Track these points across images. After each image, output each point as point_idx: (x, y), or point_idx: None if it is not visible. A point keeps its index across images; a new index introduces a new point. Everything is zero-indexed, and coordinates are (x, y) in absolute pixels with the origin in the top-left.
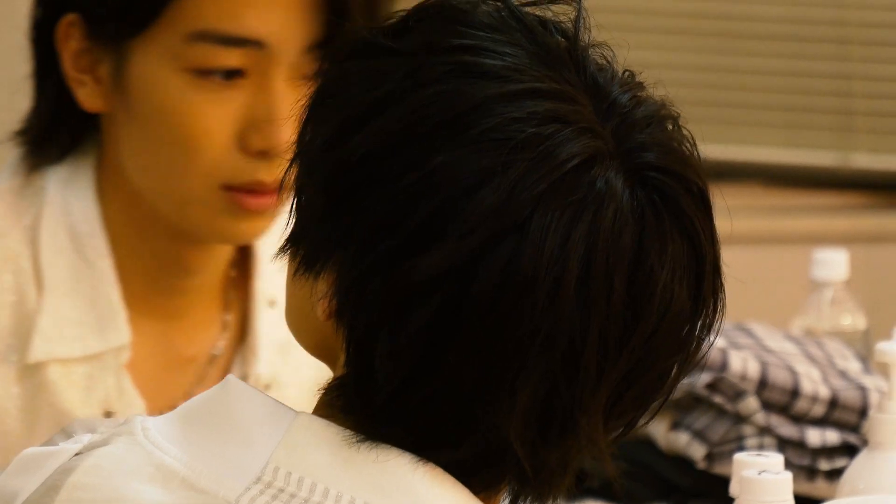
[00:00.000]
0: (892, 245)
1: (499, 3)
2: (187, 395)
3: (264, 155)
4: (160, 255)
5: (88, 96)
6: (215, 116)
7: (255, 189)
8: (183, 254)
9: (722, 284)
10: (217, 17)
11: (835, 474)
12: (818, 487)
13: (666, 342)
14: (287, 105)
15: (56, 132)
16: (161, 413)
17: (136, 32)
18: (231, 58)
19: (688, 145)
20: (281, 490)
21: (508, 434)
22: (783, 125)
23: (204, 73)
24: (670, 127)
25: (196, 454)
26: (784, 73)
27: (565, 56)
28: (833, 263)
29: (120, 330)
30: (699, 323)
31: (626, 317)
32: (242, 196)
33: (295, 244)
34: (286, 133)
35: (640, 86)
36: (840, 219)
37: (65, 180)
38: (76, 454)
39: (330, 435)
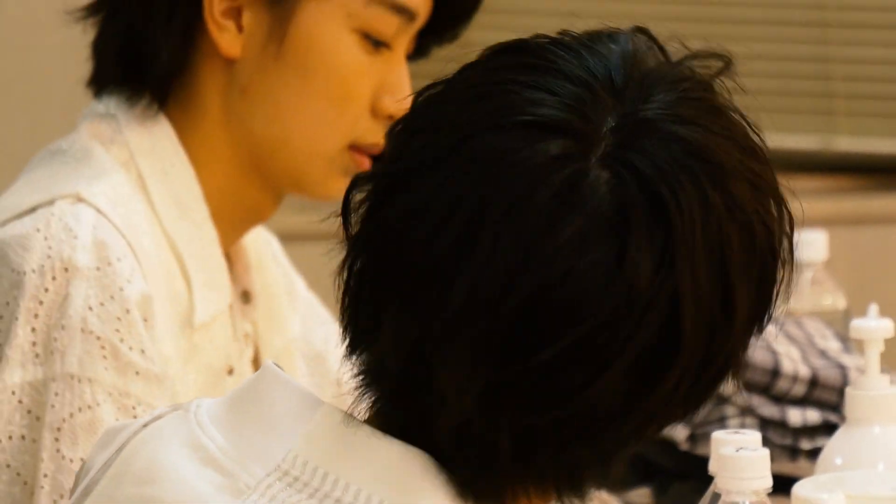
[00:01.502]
0: (873, 226)
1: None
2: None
3: (390, 119)
4: (244, 206)
5: (230, 42)
6: (368, 77)
7: (372, 151)
8: (264, 204)
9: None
10: None
11: (817, 453)
12: (800, 467)
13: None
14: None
15: (172, 78)
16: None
17: None
18: (392, 25)
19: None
20: (296, 479)
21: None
22: (764, 109)
23: (366, 35)
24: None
25: (231, 437)
26: (764, 58)
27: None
28: (813, 244)
29: (227, 286)
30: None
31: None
32: (361, 156)
33: None
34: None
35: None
36: (822, 201)
37: (144, 134)
38: (143, 425)
39: (346, 427)
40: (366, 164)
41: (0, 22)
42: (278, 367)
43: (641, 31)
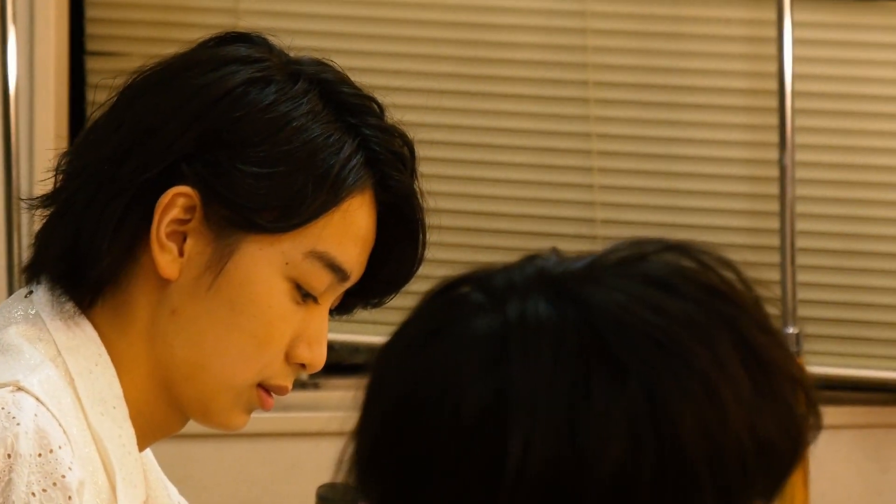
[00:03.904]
0: None
1: None
2: None
3: (301, 367)
4: (153, 418)
5: (169, 264)
6: (291, 323)
7: (277, 392)
8: (171, 421)
9: None
10: (335, 245)
11: None
12: None
13: None
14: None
15: (107, 285)
16: None
17: (267, 233)
18: (324, 282)
19: None
20: None
21: None
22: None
23: (297, 286)
24: None
25: None
26: None
27: None
28: None
29: (143, 484)
30: None
31: None
32: (266, 396)
33: None
34: (325, 353)
35: None
36: None
37: (69, 333)
38: None
39: None
40: (269, 403)
41: None
42: None
43: None
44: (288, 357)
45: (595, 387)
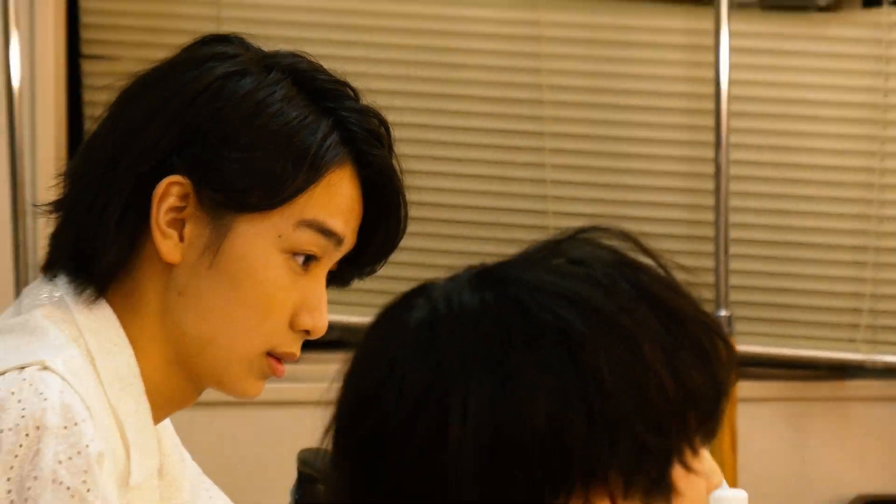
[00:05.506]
0: None
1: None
2: None
3: (306, 334)
4: (168, 392)
5: (171, 249)
6: (291, 293)
7: (286, 359)
8: (186, 393)
9: None
10: (325, 212)
11: None
12: None
13: None
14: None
15: (115, 274)
16: None
17: (257, 211)
18: (319, 246)
19: None
20: None
21: None
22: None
23: (295, 254)
24: None
25: None
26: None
27: None
28: None
29: (157, 454)
30: None
31: None
32: (276, 363)
33: None
34: (327, 319)
35: None
36: None
37: (91, 316)
38: None
39: None
40: (280, 370)
41: None
42: None
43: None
44: (292, 325)
45: (515, 345)
